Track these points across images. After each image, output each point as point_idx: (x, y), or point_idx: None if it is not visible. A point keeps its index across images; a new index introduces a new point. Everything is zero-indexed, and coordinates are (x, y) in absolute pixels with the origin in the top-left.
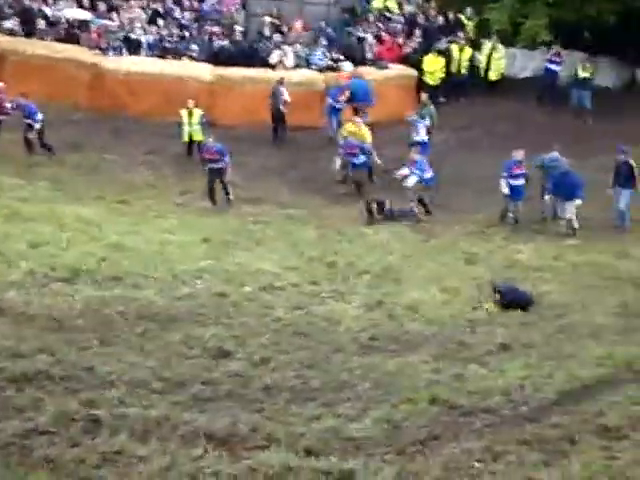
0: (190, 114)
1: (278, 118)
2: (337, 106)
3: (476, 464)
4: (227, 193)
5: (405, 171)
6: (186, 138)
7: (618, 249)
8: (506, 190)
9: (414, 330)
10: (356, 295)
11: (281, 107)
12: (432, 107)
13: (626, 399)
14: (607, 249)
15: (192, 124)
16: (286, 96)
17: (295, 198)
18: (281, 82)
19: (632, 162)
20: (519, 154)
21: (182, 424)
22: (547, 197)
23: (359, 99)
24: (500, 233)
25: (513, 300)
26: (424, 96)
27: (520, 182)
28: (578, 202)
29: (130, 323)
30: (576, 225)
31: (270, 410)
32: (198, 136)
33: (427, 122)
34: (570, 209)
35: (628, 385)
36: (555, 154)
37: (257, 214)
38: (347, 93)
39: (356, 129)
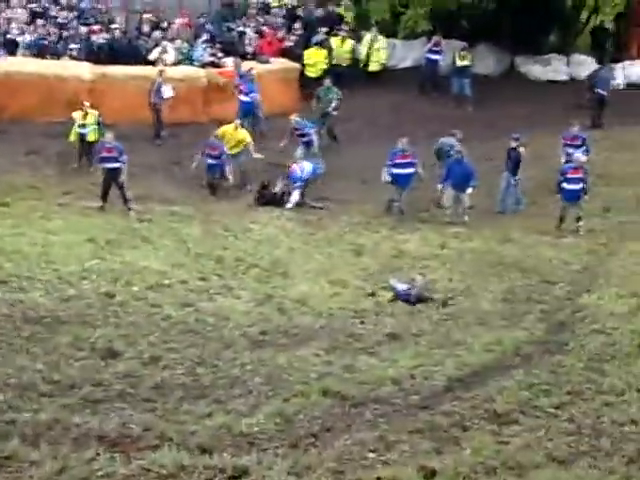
0: (85, 115)
1: (154, 111)
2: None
3: (370, 454)
4: (124, 196)
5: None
6: (73, 138)
7: (502, 235)
8: (387, 178)
9: (304, 323)
10: (245, 290)
11: (156, 102)
12: (335, 88)
13: (515, 384)
14: (491, 236)
15: (87, 125)
16: (169, 91)
17: (179, 195)
18: (160, 75)
19: (521, 149)
20: (402, 142)
21: (73, 427)
22: (440, 185)
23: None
24: (386, 224)
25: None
26: (327, 81)
27: (406, 171)
28: (469, 191)
29: (16, 326)
30: (466, 217)
31: (162, 409)
32: (93, 137)
33: (313, 128)
34: (463, 198)
35: (516, 370)
36: (452, 139)
37: (142, 212)
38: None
39: (233, 131)
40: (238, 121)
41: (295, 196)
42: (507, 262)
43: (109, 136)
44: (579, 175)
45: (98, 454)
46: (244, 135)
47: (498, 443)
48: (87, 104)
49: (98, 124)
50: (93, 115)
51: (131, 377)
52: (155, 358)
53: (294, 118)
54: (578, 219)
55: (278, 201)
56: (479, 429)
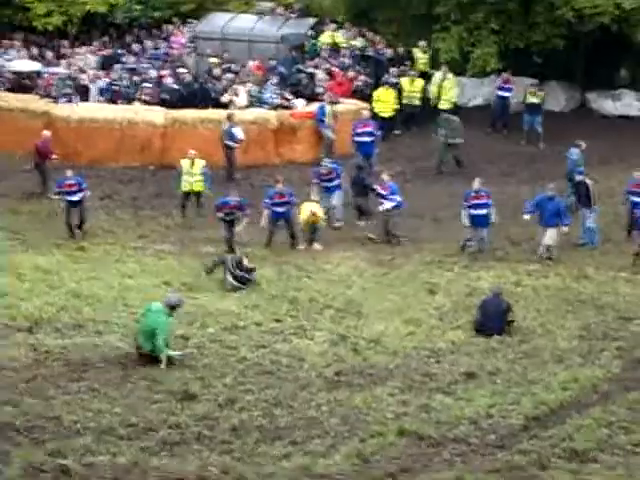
0: (192, 164)
1: (226, 154)
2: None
3: None
4: (81, 223)
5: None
6: (185, 188)
7: (577, 272)
8: (465, 221)
9: (379, 363)
10: (319, 331)
11: (229, 143)
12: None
13: (593, 422)
14: (566, 272)
15: (193, 174)
16: (240, 134)
17: (253, 237)
18: (230, 118)
19: (588, 182)
20: (476, 183)
21: (152, 469)
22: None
23: None
24: (460, 261)
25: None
26: (444, 113)
27: (481, 212)
28: (564, 229)
29: (94, 370)
30: (554, 253)
31: (239, 451)
32: (199, 187)
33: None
34: (552, 235)
35: (594, 408)
36: (576, 150)
37: (215, 254)
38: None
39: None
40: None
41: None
42: (583, 299)
43: (69, 172)
44: None
45: None
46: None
47: None
48: (193, 152)
49: (204, 174)
50: (199, 164)
51: (208, 419)
52: (231, 400)
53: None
54: None
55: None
56: (558, 468)
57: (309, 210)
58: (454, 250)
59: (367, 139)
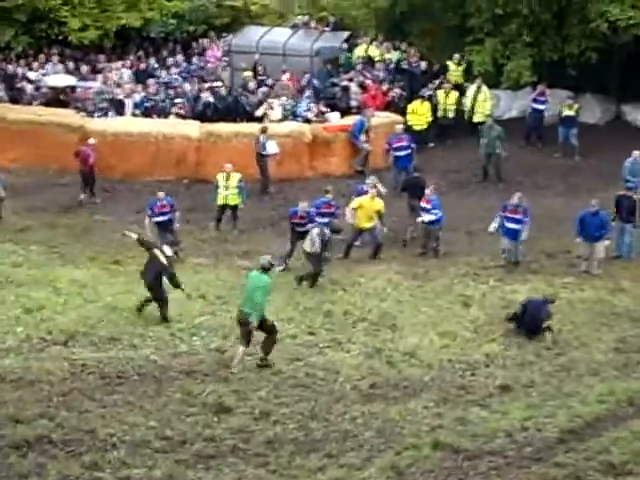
0: (227, 177)
1: (260, 167)
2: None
3: None
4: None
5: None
6: (221, 202)
7: (613, 285)
8: (491, 229)
9: (414, 376)
10: (354, 344)
11: (264, 153)
12: (497, 126)
13: (630, 434)
14: (602, 285)
15: (229, 187)
16: (274, 147)
17: (287, 249)
18: (264, 131)
19: (636, 197)
20: (515, 199)
21: None
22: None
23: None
24: (494, 274)
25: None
26: (489, 120)
27: (514, 226)
28: (607, 242)
29: (129, 383)
30: (599, 269)
31: (275, 464)
32: (235, 200)
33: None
34: (600, 249)
35: (631, 420)
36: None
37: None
38: None
39: (370, 202)
40: (373, 190)
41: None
42: (618, 312)
43: (161, 194)
44: None
45: None
46: (381, 205)
47: None
48: (229, 166)
49: (239, 188)
50: (235, 178)
51: (243, 432)
52: (266, 413)
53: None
54: None
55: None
56: None
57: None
58: (488, 263)
59: (403, 153)
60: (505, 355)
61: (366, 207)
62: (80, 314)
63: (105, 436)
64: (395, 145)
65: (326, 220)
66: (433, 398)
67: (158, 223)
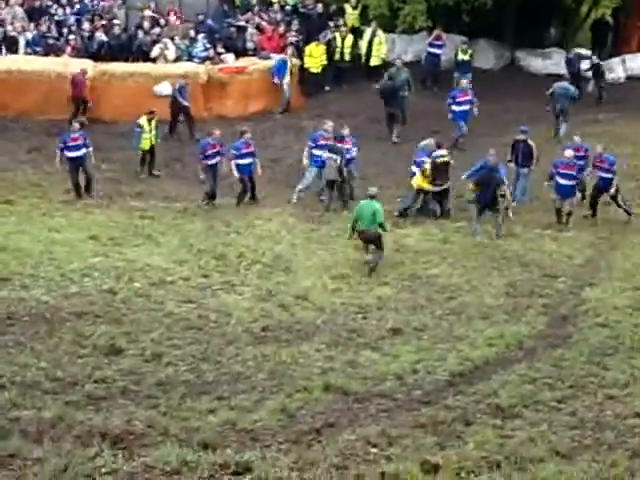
0: (150, 121)
1: (185, 115)
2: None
3: (372, 450)
4: (89, 185)
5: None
6: (147, 145)
7: (504, 230)
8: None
9: (306, 319)
10: (247, 286)
11: (184, 102)
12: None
13: (518, 378)
14: (493, 230)
15: (152, 131)
16: (167, 89)
17: (182, 192)
18: (183, 77)
19: (531, 142)
20: (430, 144)
21: (77, 424)
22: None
23: None
24: (388, 218)
25: None
26: (398, 61)
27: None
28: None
29: (20, 324)
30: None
31: (165, 406)
32: (154, 141)
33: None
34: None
35: (519, 364)
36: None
37: (144, 209)
38: None
39: None
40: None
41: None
42: (509, 256)
43: (76, 125)
44: (571, 172)
45: (102, 451)
46: None
47: (501, 437)
48: (154, 110)
49: (157, 129)
50: (154, 120)
51: (134, 374)
52: (158, 355)
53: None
54: (569, 214)
55: None
56: (482, 423)
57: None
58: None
59: (466, 107)
60: (397, 298)
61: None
62: None
63: None
64: (460, 99)
65: (249, 161)
66: (325, 341)
67: (71, 159)
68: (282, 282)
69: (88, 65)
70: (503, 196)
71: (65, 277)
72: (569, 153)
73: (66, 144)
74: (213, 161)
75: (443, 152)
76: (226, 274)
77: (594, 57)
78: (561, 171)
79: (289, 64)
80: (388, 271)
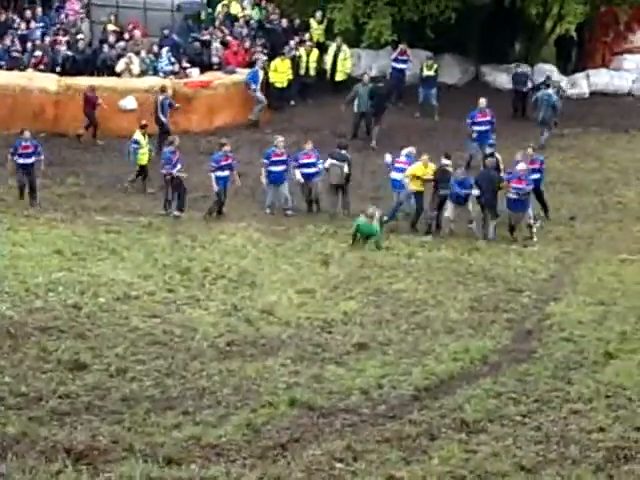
0: (144, 135)
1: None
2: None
3: (338, 464)
4: (33, 192)
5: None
6: (146, 160)
7: (469, 244)
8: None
9: (271, 333)
10: (212, 301)
11: (163, 118)
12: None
13: (483, 393)
14: (458, 245)
15: (145, 146)
16: (132, 103)
17: (146, 206)
18: (163, 90)
19: (498, 156)
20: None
21: (41, 439)
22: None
23: None
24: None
25: None
26: (365, 77)
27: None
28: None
29: None
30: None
31: (130, 421)
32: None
33: None
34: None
35: (484, 379)
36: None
37: (109, 223)
38: None
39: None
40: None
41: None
42: (474, 271)
43: (27, 133)
44: (522, 185)
45: (66, 466)
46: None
47: (466, 452)
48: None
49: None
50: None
51: (98, 389)
52: (122, 370)
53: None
54: (529, 226)
55: None
56: (447, 438)
57: None
58: (347, 221)
59: (485, 128)
60: (362, 313)
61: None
62: None
63: None
64: (478, 120)
65: (227, 173)
66: (290, 356)
67: (21, 165)
68: (247, 297)
69: (52, 79)
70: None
71: (29, 292)
72: (522, 166)
73: (17, 150)
74: (225, 173)
75: (448, 162)
76: (191, 289)
77: (561, 84)
78: (513, 185)
79: (261, 75)
80: (353, 285)
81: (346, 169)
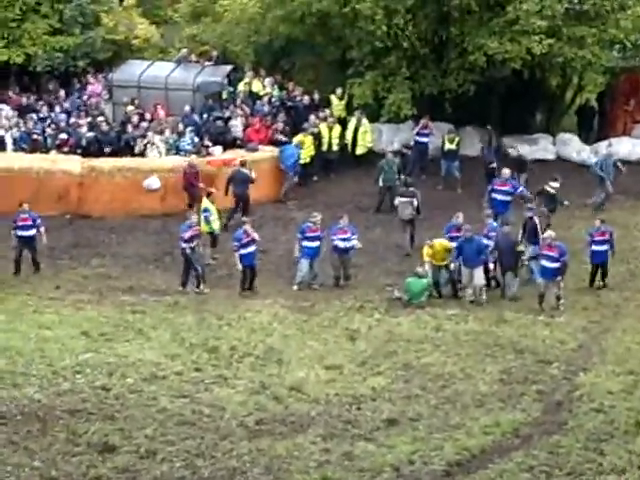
0: (212, 202)
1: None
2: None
3: None
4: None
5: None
6: (218, 225)
7: (496, 316)
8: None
9: (300, 411)
10: (240, 379)
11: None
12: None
13: (515, 466)
14: (486, 316)
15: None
16: (156, 183)
17: (172, 285)
18: (243, 164)
19: (536, 219)
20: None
21: None
22: (452, 264)
23: None
24: (379, 307)
25: None
26: (389, 154)
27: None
28: (491, 266)
29: (12, 423)
30: (483, 296)
31: None
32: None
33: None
34: (479, 275)
35: (516, 452)
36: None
37: (135, 303)
38: None
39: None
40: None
41: None
42: (502, 343)
43: (25, 206)
44: (554, 253)
45: None
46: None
47: None
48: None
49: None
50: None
51: (129, 472)
52: (152, 451)
53: None
54: (558, 298)
55: None
56: None
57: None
58: (374, 296)
59: (504, 198)
60: (391, 388)
61: (439, 251)
62: None
63: None
64: (497, 188)
65: (252, 249)
66: (320, 433)
67: (21, 238)
68: (275, 374)
69: (76, 161)
70: (522, 252)
71: (57, 374)
72: (549, 233)
73: (16, 223)
74: (249, 250)
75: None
76: (219, 367)
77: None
78: (544, 252)
79: (300, 152)
80: (381, 360)
81: (415, 203)
